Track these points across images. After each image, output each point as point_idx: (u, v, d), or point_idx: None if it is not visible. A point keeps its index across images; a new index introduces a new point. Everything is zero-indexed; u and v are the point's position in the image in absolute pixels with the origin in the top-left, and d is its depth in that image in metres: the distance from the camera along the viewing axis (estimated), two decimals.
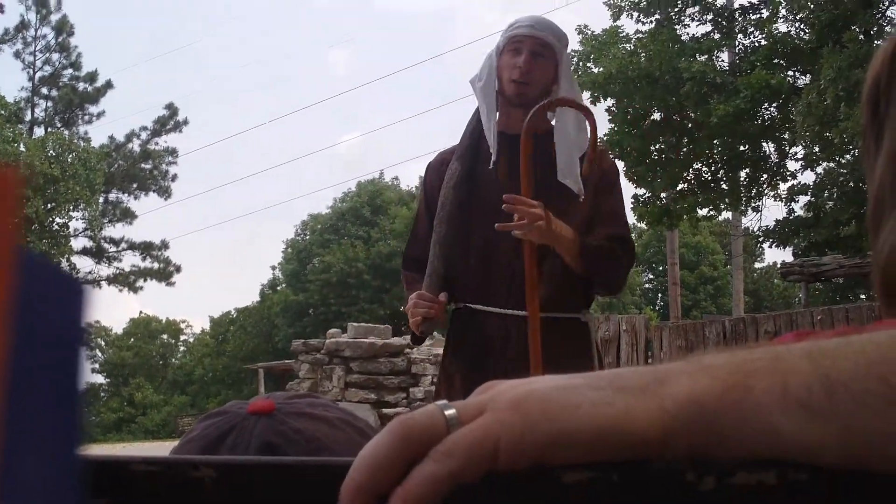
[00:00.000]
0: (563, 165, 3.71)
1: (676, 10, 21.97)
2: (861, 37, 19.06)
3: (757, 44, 21.67)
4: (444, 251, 3.79)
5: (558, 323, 3.67)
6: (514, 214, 3.44)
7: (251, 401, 1.25)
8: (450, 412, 0.64)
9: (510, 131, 3.83)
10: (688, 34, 22.22)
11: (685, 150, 21.76)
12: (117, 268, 50.14)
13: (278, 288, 59.61)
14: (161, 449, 32.02)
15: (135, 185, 49.68)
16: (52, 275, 0.47)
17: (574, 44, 22.71)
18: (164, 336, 71.56)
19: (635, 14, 22.07)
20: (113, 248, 50.08)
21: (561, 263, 3.64)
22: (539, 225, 3.42)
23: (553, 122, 3.81)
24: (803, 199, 23.50)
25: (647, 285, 63.04)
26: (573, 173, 3.70)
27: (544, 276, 3.60)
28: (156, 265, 50.90)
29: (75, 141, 42.74)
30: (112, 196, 49.17)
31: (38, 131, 47.11)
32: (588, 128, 3.69)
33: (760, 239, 24.37)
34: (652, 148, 21.83)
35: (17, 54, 48.56)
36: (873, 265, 0.90)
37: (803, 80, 20.95)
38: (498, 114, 3.91)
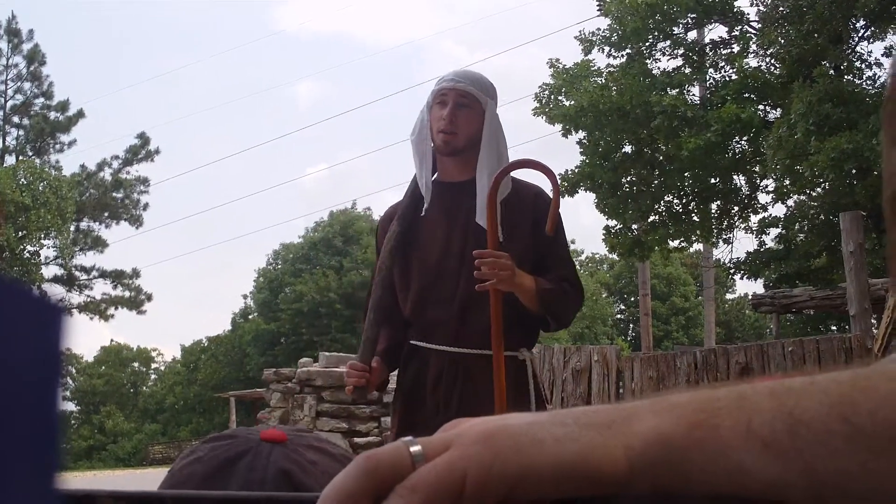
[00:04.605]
0: (481, 209, 3.84)
1: (647, 44, 22.07)
2: (831, 72, 19.22)
3: (727, 78, 21.78)
4: (379, 316, 3.92)
5: (503, 357, 3.76)
6: (482, 266, 3.62)
7: (259, 428, 1.25)
8: (415, 448, 0.64)
9: (445, 179, 4.04)
10: (659, 68, 22.34)
11: (656, 182, 21.84)
12: (88, 296, 49.92)
13: (250, 317, 59.45)
14: (132, 477, 31.84)
15: (106, 214, 49.47)
16: (28, 299, 0.47)
17: (545, 77, 22.86)
18: (135, 364, 71.21)
19: (606, 48, 22.16)
20: (84, 277, 49.86)
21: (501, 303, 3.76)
22: (507, 275, 3.62)
23: (476, 171, 3.96)
24: (774, 232, 23.64)
25: (618, 316, 63.13)
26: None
27: (484, 316, 3.74)
28: (127, 293, 50.70)
29: (46, 169, 42.58)
30: (83, 224, 48.98)
31: (10, 160, 46.91)
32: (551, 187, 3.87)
33: (732, 270, 24.47)
34: (623, 180, 21.91)
35: None
36: (891, 256, 0.87)
37: (774, 114, 21.10)
38: (435, 164, 4.09)
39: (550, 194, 3.86)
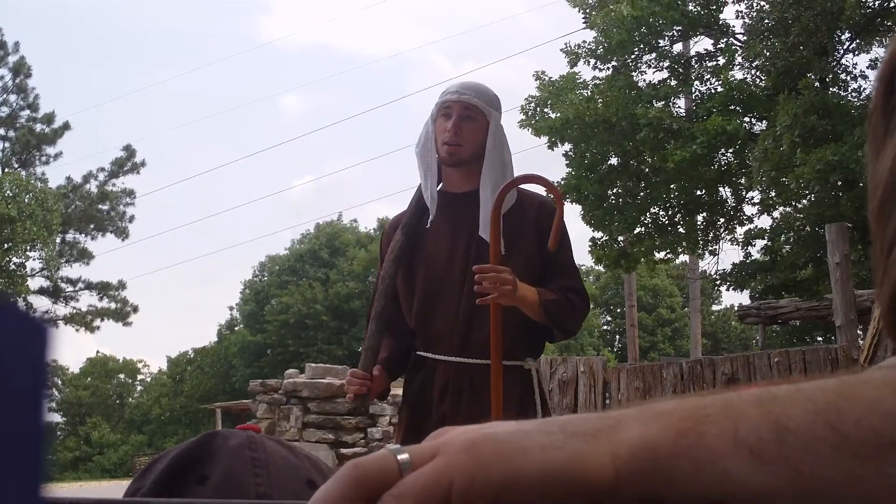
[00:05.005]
0: (484, 222, 3.84)
1: (633, 57, 22.09)
2: (817, 84, 19.27)
3: (713, 90, 21.82)
4: (381, 326, 3.94)
5: (502, 369, 3.74)
6: (483, 281, 3.61)
7: None
8: (402, 456, 0.64)
9: (449, 190, 4.06)
10: (644, 81, 22.35)
11: (642, 194, 21.86)
12: (74, 307, 49.74)
13: (236, 328, 59.40)
14: (118, 488, 31.74)
15: (92, 226, 49.34)
16: (15, 314, 0.47)
17: (531, 89, 22.86)
18: (121, 375, 71.13)
19: (592, 61, 22.17)
20: (70, 288, 49.73)
21: (504, 312, 3.74)
22: (508, 290, 3.60)
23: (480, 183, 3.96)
24: (760, 243, 23.70)
25: (605, 327, 63.16)
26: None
27: (488, 326, 3.72)
28: (113, 305, 50.54)
29: (32, 181, 42.43)
30: (69, 236, 48.84)
31: None
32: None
33: (718, 282, 24.52)
34: (609, 192, 21.91)
35: None
36: (876, 267, 0.87)
37: (759, 127, 21.14)
38: (440, 175, 4.09)
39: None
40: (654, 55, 22.36)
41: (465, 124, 3.91)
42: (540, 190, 4.11)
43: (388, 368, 3.98)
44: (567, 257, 4.01)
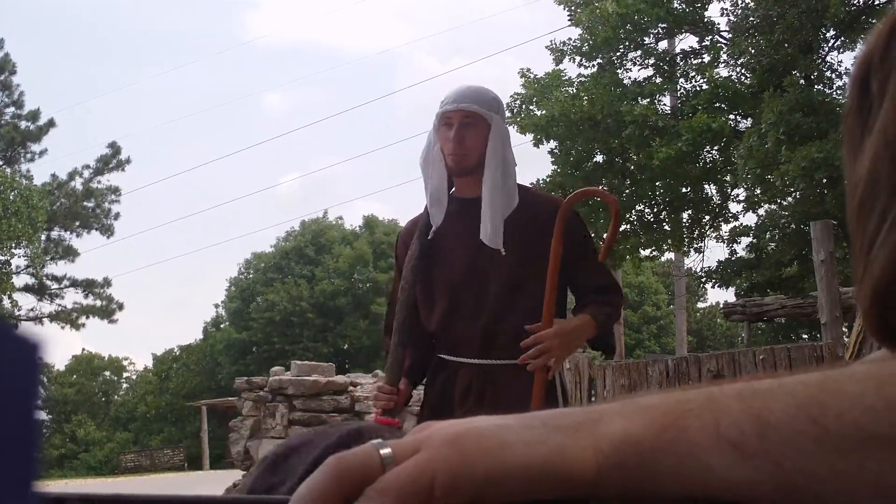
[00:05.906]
0: (486, 228, 3.86)
1: (618, 54, 22.10)
2: (802, 81, 19.28)
3: (698, 88, 21.82)
4: (404, 338, 3.94)
5: (523, 369, 3.76)
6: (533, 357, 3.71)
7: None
8: (385, 451, 0.64)
9: (462, 195, 4.04)
10: (630, 78, 22.35)
11: (627, 191, 21.83)
12: (59, 305, 49.57)
13: (222, 326, 59.31)
14: (104, 485, 31.67)
15: (77, 223, 49.18)
16: (6, 335, 0.47)
17: (517, 87, 22.85)
18: (107, 373, 70.87)
19: (577, 58, 22.16)
20: (55, 286, 49.56)
21: (524, 314, 3.79)
22: (559, 354, 3.75)
23: (482, 187, 3.94)
24: (745, 241, 23.72)
25: None
26: (497, 235, 3.86)
27: (510, 327, 3.78)
28: (98, 302, 50.37)
29: (17, 179, 42.28)
30: (54, 234, 48.67)
31: None
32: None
33: (703, 279, 24.53)
34: None
35: None
36: (856, 266, 0.87)
37: (745, 124, 21.15)
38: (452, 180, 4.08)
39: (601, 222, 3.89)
40: (639, 52, 22.37)
41: (467, 132, 3.89)
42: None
43: (410, 378, 4.03)
44: (595, 257, 4.04)
